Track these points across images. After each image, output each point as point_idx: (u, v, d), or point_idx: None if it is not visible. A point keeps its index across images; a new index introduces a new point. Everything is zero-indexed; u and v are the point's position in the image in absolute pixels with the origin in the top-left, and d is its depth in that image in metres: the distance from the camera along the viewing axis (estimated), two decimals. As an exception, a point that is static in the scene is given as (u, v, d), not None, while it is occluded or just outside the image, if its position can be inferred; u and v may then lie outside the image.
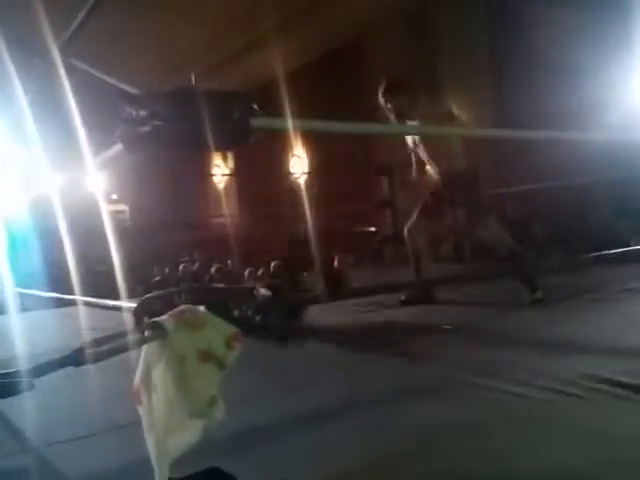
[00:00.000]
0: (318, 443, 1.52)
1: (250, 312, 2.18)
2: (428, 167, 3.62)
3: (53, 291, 5.14)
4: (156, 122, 1.28)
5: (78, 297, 3.95)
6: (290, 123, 1.47)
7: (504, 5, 6.54)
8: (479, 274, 4.39)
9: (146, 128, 1.29)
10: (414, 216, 3.65)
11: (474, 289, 3.90)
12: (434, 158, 3.55)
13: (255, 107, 1.38)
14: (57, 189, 3.21)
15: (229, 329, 1.26)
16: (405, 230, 3.68)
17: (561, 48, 5.38)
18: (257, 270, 7.33)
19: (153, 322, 1.17)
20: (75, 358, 1.04)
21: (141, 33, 6.66)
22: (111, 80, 1.43)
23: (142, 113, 1.27)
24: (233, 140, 1.35)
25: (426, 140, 3.51)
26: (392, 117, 3.46)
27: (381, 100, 3.50)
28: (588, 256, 4.49)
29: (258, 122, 1.32)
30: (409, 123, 3.44)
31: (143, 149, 1.34)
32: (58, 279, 5.33)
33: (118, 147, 1.38)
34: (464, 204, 3.55)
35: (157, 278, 7.82)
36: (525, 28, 6.01)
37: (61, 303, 4.61)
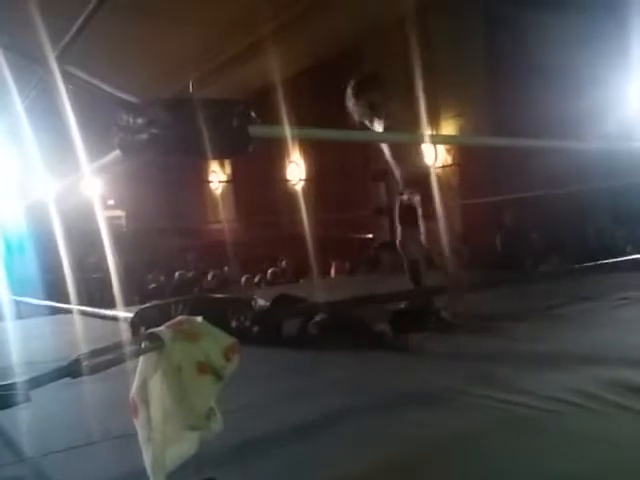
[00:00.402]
0: (315, 452, 1.50)
1: (248, 322, 2.17)
2: (394, 171, 3.56)
3: (48, 298, 5.12)
4: (154, 130, 1.27)
5: (74, 306, 3.92)
6: (288, 131, 1.46)
7: (502, 12, 6.57)
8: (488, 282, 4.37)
9: (144, 136, 1.28)
10: (398, 227, 3.59)
11: (473, 296, 3.88)
12: (397, 162, 3.49)
13: (253, 115, 1.37)
14: (53, 195, 3.20)
15: (227, 340, 1.25)
16: (397, 244, 3.64)
17: (559, 55, 5.40)
18: (254, 277, 7.31)
19: (150, 333, 1.16)
20: (72, 370, 1.03)
21: (137, 41, 6.65)
22: (109, 88, 1.43)
23: (140, 121, 1.27)
24: (231, 149, 1.34)
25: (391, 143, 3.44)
26: (361, 112, 3.36)
27: (350, 96, 3.39)
28: (585, 264, 4.50)
29: (256, 130, 1.31)
30: (377, 121, 3.37)
31: (141, 157, 1.33)
32: (53, 286, 5.31)
33: (116, 154, 1.37)
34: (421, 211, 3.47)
35: (153, 285, 7.79)
36: (523, 35, 6.04)
37: (57, 310, 4.58)
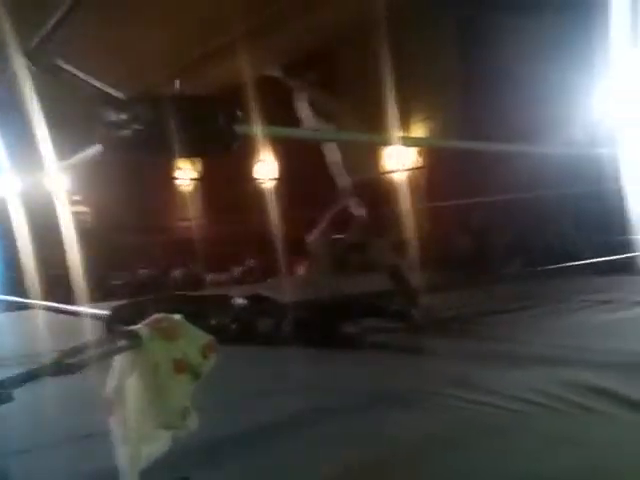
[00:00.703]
0: (285, 452, 1.51)
1: (227, 320, 2.17)
2: (337, 175, 3.51)
3: (10, 294, 4.99)
4: (138, 126, 1.26)
5: (49, 303, 3.84)
6: (272, 131, 1.46)
7: (473, 18, 6.66)
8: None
9: (127, 132, 1.27)
10: (321, 227, 3.53)
11: (440, 297, 3.94)
12: (345, 166, 3.44)
13: (239, 113, 1.37)
14: (16, 191, 3.13)
15: (204, 338, 1.25)
16: (310, 240, 3.58)
17: (528, 61, 5.51)
18: (221, 275, 7.27)
19: (128, 331, 1.15)
20: (53, 368, 1.01)
21: (111, 37, 6.50)
22: (94, 82, 1.40)
23: (124, 117, 1.25)
24: (216, 146, 1.34)
25: (339, 146, 3.38)
26: (308, 115, 3.27)
27: (297, 101, 3.32)
28: (546, 268, 4.63)
29: (242, 129, 1.31)
30: (323, 124, 3.32)
31: (123, 153, 1.32)
32: (15, 281, 5.17)
33: (97, 148, 1.35)
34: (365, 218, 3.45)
35: (117, 282, 7.67)
36: (494, 41, 6.14)
37: (23, 306, 4.47)
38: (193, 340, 1.23)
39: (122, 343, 1.13)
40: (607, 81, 4.48)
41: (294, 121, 3.30)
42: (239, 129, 1.30)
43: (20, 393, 1.15)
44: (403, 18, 7.47)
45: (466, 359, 2.36)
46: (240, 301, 2.38)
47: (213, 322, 2.15)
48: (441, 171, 7.14)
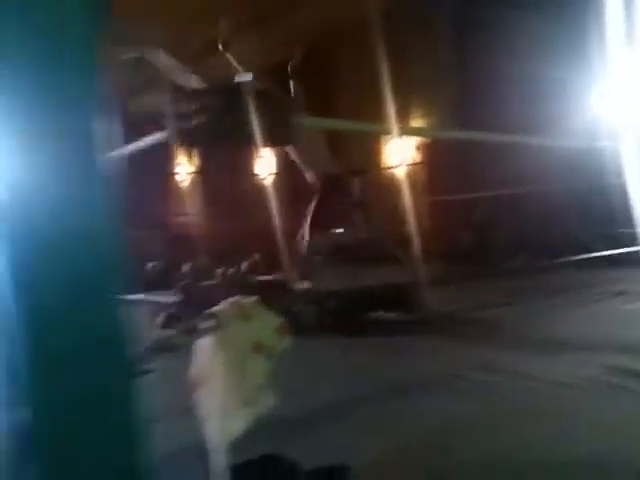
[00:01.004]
0: (324, 439, 1.56)
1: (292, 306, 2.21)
2: (304, 170, 3.52)
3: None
4: (207, 116, 1.31)
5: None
6: (335, 124, 1.50)
7: (470, 16, 6.69)
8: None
9: (196, 121, 1.32)
10: (307, 226, 3.54)
11: (448, 289, 3.98)
12: (308, 161, 3.45)
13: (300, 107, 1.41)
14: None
15: (277, 319, 1.30)
16: (304, 242, 3.58)
17: (523, 58, 5.54)
18: (228, 269, 7.26)
19: (210, 313, 1.19)
20: (156, 348, 1.06)
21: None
22: (169, 72, 1.43)
23: (194, 107, 1.30)
24: (281, 138, 1.38)
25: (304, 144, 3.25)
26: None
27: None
28: (552, 261, 4.70)
29: (304, 121, 1.36)
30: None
31: (193, 141, 1.36)
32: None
33: (165, 135, 1.38)
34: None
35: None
36: (491, 38, 6.18)
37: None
38: (267, 321, 1.28)
39: (206, 324, 1.18)
40: (606, 76, 4.55)
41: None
42: (303, 121, 1.35)
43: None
44: (400, 16, 7.49)
45: (495, 345, 2.42)
46: (305, 285, 2.43)
47: (281, 307, 2.18)
48: (442, 166, 7.18)
